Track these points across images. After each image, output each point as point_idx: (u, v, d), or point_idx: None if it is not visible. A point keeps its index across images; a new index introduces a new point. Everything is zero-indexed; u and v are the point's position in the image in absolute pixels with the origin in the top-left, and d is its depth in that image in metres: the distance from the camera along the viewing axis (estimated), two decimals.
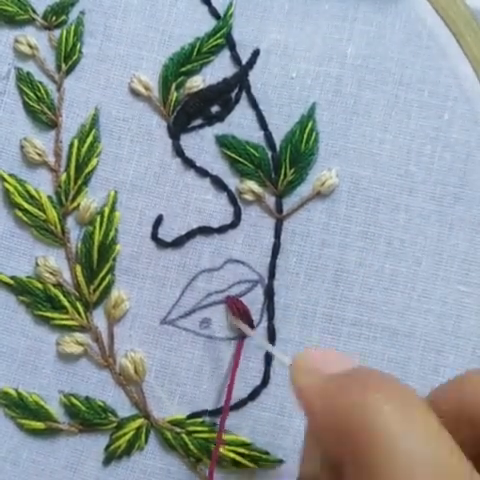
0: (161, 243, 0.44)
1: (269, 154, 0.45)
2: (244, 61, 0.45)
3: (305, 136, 0.44)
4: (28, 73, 0.45)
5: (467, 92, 0.44)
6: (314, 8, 0.45)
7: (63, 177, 0.45)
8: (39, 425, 0.44)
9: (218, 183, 0.45)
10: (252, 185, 0.44)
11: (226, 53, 0.45)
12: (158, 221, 0.44)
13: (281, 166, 0.44)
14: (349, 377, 0.28)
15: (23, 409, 0.44)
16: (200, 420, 0.44)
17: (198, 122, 0.45)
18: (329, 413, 0.28)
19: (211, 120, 0.45)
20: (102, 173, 0.45)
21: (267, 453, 0.43)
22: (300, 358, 0.31)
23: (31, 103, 0.45)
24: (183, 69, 0.45)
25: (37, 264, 0.44)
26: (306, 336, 0.44)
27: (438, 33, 0.45)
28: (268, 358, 0.44)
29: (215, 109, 0.45)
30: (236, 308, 0.43)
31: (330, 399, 0.28)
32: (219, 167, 0.45)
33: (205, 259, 0.44)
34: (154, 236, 0.44)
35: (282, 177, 0.44)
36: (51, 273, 0.44)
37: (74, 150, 0.45)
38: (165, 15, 0.46)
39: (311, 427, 0.31)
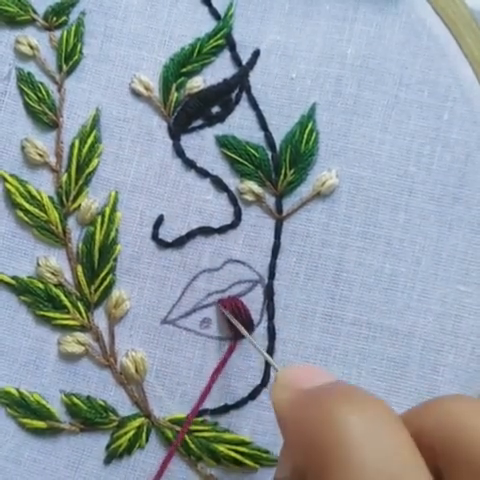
0: (162, 243, 0.45)
1: (269, 154, 0.45)
2: (244, 62, 0.45)
3: (305, 136, 0.44)
4: (29, 74, 0.45)
5: (467, 92, 0.44)
6: (314, 8, 0.45)
7: (64, 177, 0.45)
8: (40, 424, 0.44)
9: (218, 183, 0.45)
10: (252, 185, 0.45)
11: (226, 54, 0.45)
12: (159, 221, 0.45)
13: (281, 166, 0.45)
14: (321, 390, 0.29)
15: (25, 408, 0.44)
16: (201, 419, 0.44)
17: (198, 123, 0.45)
18: (297, 424, 0.28)
19: (211, 121, 0.45)
20: (103, 173, 0.45)
21: (267, 452, 0.44)
22: (281, 374, 0.33)
23: (32, 104, 0.45)
24: (183, 70, 0.45)
25: (38, 264, 0.45)
26: (306, 336, 0.44)
27: (438, 33, 0.45)
28: None
29: (215, 110, 0.45)
30: (236, 308, 0.43)
31: (299, 411, 0.29)
32: (219, 167, 0.45)
33: (205, 259, 0.44)
34: (155, 236, 0.45)
35: (282, 177, 0.45)
36: (52, 273, 0.45)
37: (75, 151, 0.45)
38: (165, 16, 0.46)
39: (283, 438, 0.31)
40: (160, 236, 0.45)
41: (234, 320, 0.43)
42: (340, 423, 0.25)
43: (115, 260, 0.45)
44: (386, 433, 0.25)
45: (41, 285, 0.44)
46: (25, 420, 0.44)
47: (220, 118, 0.45)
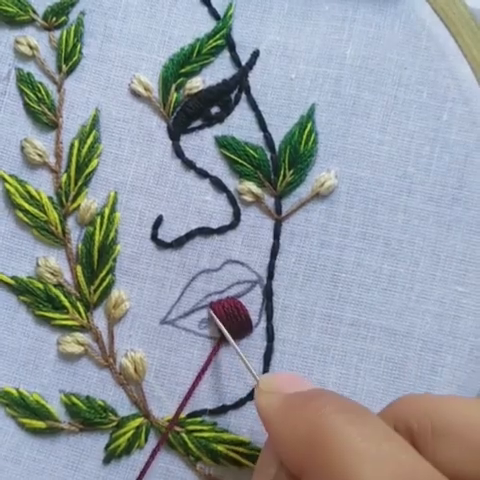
0: (161, 244, 0.45)
1: (268, 155, 0.45)
2: (244, 62, 0.45)
3: (304, 137, 0.44)
4: (28, 74, 0.45)
5: (466, 93, 0.44)
6: (313, 9, 0.45)
7: (63, 178, 0.45)
8: (40, 424, 0.44)
9: (217, 184, 0.45)
10: (251, 186, 0.45)
11: (226, 54, 0.45)
12: (158, 222, 0.45)
13: (280, 167, 0.45)
14: (306, 395, 0.33)
15: (24, 408, 0.44)
16: (200, 419, 0.44)
17: (198, 123, 0.45)
18: (289, 427, 0.32)
19: (211, 121, 0.45)
20: (102, 174, 0.45)
21: None
22: (264, 381, 0.37)
23: (31, 104, 0.45)
24: (183, 70, 0.45)
25: (38, 264, 0.45)
26: (305, 336, 0.44)
27: (437, 34, 0.45)
28: (267, 358, 0.44)
29: (215, 110, 0.45)
30: (234, 309, 0.44)
31: (290, 414, 0.32)
32: (219, 168, 0.45)
33: (204, 260, 0.45)
34: (154, 237, 0.45)
35: (281, 178, 0.45)
36: (52, 273, 0.45)
37: (74, 151, 0.45)
38: (165, 16, 0.46)
39: (271, 442, 0.35)
40: (159, 236, 0.45)
41: (220, 325, 0.43)
42: (336, 425, 0.29)
43: (114, 260, 0.45)
44: (373, 425, 0.30)
45: (41, 285, 0.45)
46: (24, 420, 0.44)
47: (219, 119, 0.45)
